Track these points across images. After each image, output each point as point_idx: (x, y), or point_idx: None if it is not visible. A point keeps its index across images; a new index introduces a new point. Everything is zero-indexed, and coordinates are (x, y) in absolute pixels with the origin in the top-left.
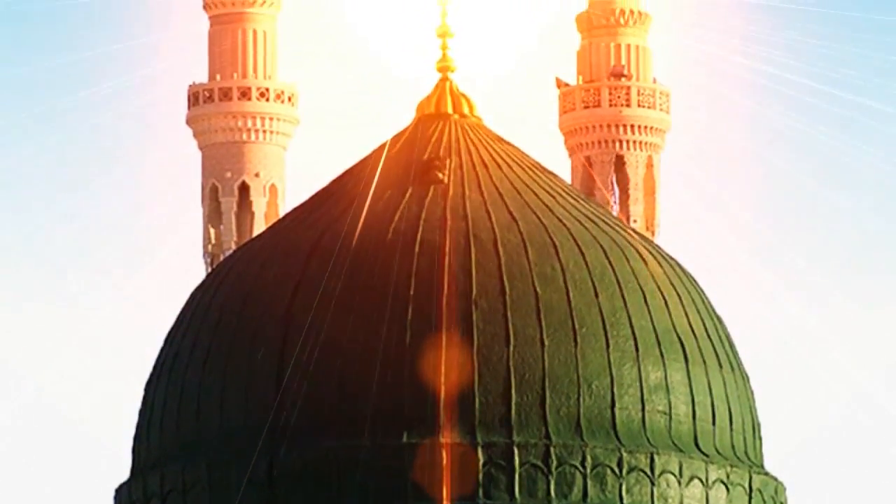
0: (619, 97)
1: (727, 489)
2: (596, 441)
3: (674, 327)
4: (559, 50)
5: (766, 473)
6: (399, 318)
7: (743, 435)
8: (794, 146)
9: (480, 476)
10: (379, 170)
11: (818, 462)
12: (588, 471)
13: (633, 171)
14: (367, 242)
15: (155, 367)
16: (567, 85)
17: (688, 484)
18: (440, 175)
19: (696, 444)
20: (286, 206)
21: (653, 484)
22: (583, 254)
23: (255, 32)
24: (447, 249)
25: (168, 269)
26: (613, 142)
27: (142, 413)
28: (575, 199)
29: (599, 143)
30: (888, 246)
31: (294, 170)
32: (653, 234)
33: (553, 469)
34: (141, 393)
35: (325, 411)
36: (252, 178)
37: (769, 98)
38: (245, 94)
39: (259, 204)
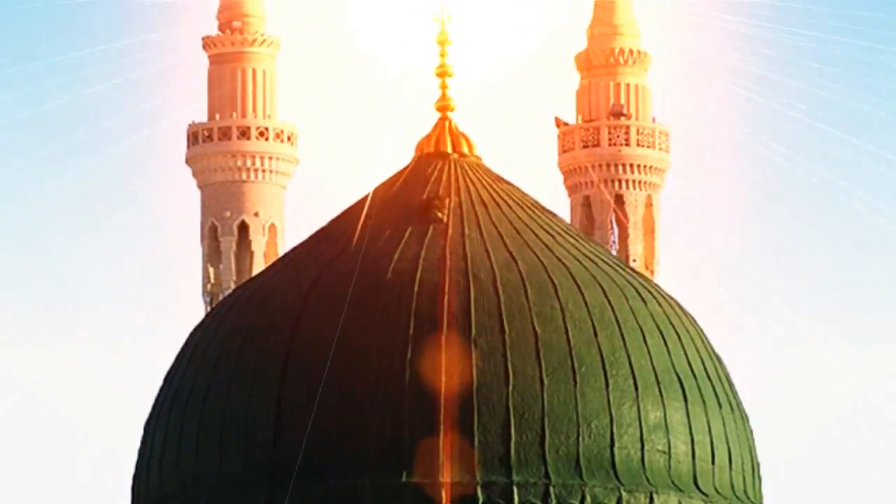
0: (618, 136)
1: None
2: (595, 480)
3: (673, 367)
4: (558, 89)
5: None
6: (399, 358)
7: (742, 474)
8: (793, 186)
9: None
10: (378, 209)
11: (817, 502)
12: None
13: (632, 210)
14: (367, 281)
15: (154, 406)
16: (566, 124)
17: None
18: (439, 214)
19: (696, 484)
20: (285, 245)
21: None
22: (582, 293)
23: (254, 72)
24: (446, 289)
25: (167, 308)
26: (613, 181)
27: (141, 452)
28: (574, 239)
29: (599, 182)
30: (886, 286)
31: (293, 209)
32: (652, 273)
33: None
34: (141, 432)
35: (325, 451)
36: (251, 217)
37: (769, 137)
38: (244, 133)
39: (258, 243)
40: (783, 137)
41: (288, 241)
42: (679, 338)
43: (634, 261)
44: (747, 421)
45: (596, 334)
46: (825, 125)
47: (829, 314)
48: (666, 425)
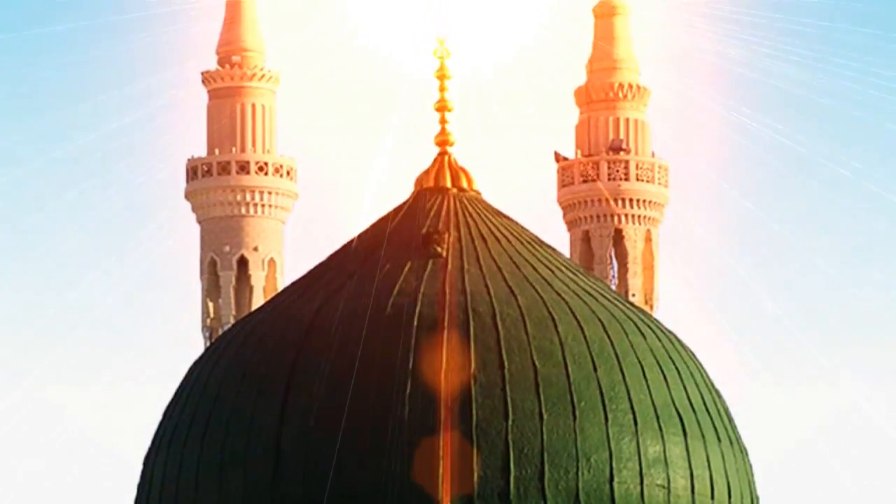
0: (617, 171)
1: None
2: None
3: (672, 401)
4: (558, 123)
5: None
6: (398, 392)
7: None
8: (794, 218)
9: None
10: (377, 243)
11: None
12: None
13: (631, 244)
14: (366, 316)
15: (153, 442)
16: (566, 159)
17: None
18: (439, 249)
19: None
20: (285, 279)
21: None
22: (581, 328)
23: (253, 107)
24: (446, 323)
25: (167, 343)
26: (612, 216)
27: (140, 487)
28: (573, 273)
29: (598, 216)
30: (891, 320)
31: (293, 243)
32: (651, 307)
33: None
34: (140, 467)
35: (324, 488)
36: (251, 251)
37: (768, 172)
38: (244, 168)
39: (258, 277)
40: (784, 171)
41: (287, 275)
42: (678, 372)
43: (634, 295)
44: (747, 455)
45: (595, 369)
46: (823, 159)
47: (831, 348)
48: (665, 460)
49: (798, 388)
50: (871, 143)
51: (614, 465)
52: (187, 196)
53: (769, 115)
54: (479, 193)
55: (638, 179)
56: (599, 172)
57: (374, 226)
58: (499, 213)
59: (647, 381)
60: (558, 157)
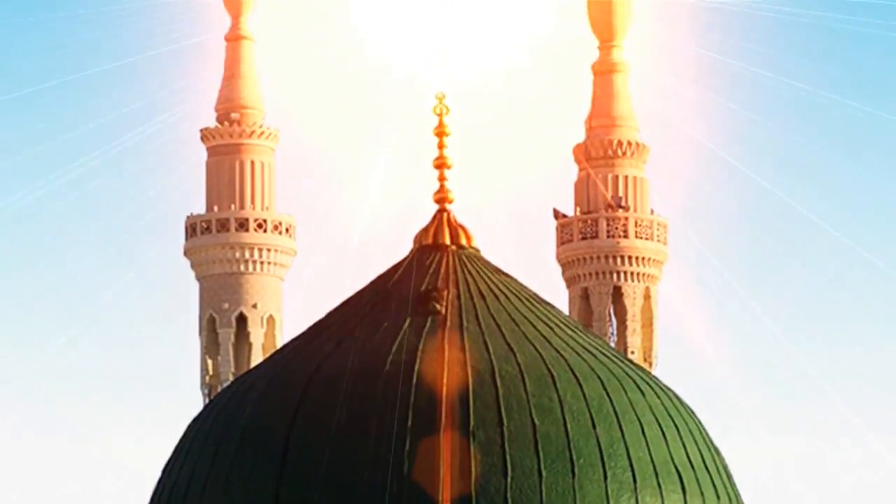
0: (616, 228)
1: None
2: None
3: (672, 459)
4: (557, 181)
5: None
6: (397, 450)
7: None
8: (793, 276)
9: None
10: (376, 301)
11: None
12: None
13: (630, 302)
14: (365, 374)
15: (153, 499)
16: (565, 216)
17: None
18: (438, 306)
19: None
20: (284, 337)
21: None
22: (580, 385)
23: (252, 164)
24: (445, 381)
25: (166, 400)
26: (611, 273)
27: None
28: (572, 331)
29: (597, 274)
30: (890, 380)
31: (292, 301)
32: (650, 365)
33: None
34: None
35: None
36: (250, 309)
37: (767, 231)
38: (242, 225)
39: (257, 335)
40: (782, 229)
41: (286, 332)
42: (677, 430)
43: (633, 353)
44: None
45: (594, 426)
46: (823, 220)
47: (830, 405)
48: None
49: (798, 446)
50: (879, 213)
51: None
52: (186, 253)
53: (768, 170)
54: (478, 250)
55: (637, 237)
56: (598, 230)
57: (373, 283)
58: (498, 271)
59: (646, 438)
60: (557, 215)
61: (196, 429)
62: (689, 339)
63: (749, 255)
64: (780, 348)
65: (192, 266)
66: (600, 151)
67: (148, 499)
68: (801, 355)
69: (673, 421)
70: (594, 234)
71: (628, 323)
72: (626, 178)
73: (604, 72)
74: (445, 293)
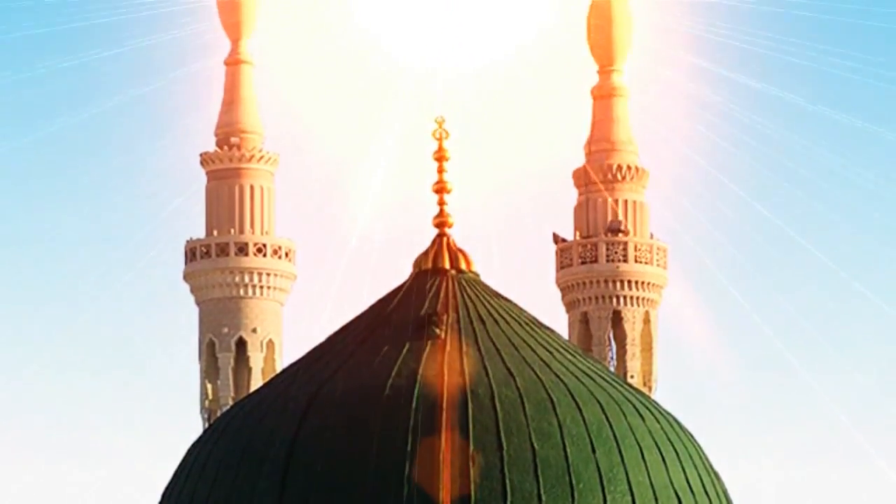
0: (616, 253)
1: None
2: None
3: (671, 483)
4: (556, 205)
5: None
6: (397, 474)
7: None
8: (794, 300)
9: None
10: (376, 325)
11: None
12: None
13: (630, 326)
14: (365, 398)
15: None
16: (564, 240)
17: None
18: (437, 330)
19: None
20: (283, 361)
21: None
22: (580, 409)
23: (252, 188)
24: (445, 405)
25: (165, 425)
26: (610, 297)
27: None
28: (572, 355)
29: (596, 298)
30: (887, 403)
31: (291, 325)
32: (650, 389)
33: None
34: None
35: None
36: (249, 333)
37: (767, 255)
38: (242, 249)
39: (256, 359)
40: (780, 253)
41: (286, 357)
42: (677, 454)
43: (632, 377)
44: None
45: (594, 450)
46: (822, 252)
47: (833, 430)
48: None
49: (798, 469)
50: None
51: None
52: (186, 277)
53: (770, 197)
54: (477, 275)
55: (636, 261)
56: (598, 254)
57: (372, 307)
58: (497, 295)
59: (645, 462)
60: (557, 239)
61: (196, 453)
62: (689, 363)
63: (749, 279)
64: (782, 372)
65: (192, 290)
66: (600, 176)
67: None
68: (805, 379)
69: (672, 445)
70: (594, 259)
71: (628, 347)
72: (626, 202)
73: (603, 96)
74: (445, 317)
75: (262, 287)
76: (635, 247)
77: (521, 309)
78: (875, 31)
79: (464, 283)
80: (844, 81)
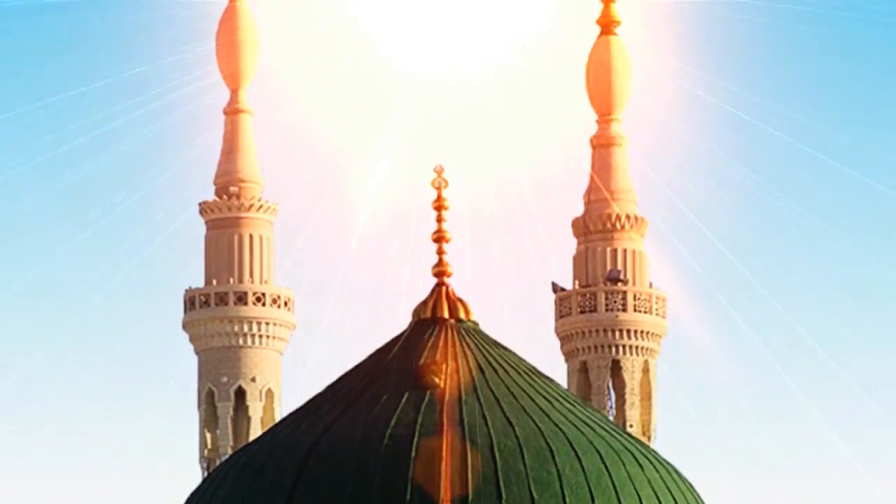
0: (615, 302)
1: None
2: None
3: None
4: (556, 254)
5: None
6: None
7: None
8: (790, 348)
9: None
10: (375, 374)
11: None
12: None
13: (629, 375)
14: (364, 447)
15: None
16: (563, 289)
17: None
18: (436, 380)
19: None
20: (283, 410)
21: None
22: (579, 459)
23: (251, 237)
24: (444, 454)
25: (164, 474)
26: (610, 346)
27: None
28: (571, 404)
29: (596, 347)
30: (887, 443)
31: (290, 374)
32: (649, 439)
33: None
34: None
35: None
36: (248, 382)
37: (764, 305)
38: (241, 298)
39: (255, 408)
40: (779, 302)
41: (285, 406)
42: (675, 503)
43: (631, 426)
44: None
45: (593, 500)
46: (826, 292)
47: (832, 479)
48: None
49: None
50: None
51: None
52: (185, 327)
53: (769, 245)
54: (476, 324)
55: (636, 310)
56: (597, 303)
57: (371, 356)
58: (496, 344)
59: None
60: (556, 288)
61: (195, 502)
62: (688, 412)
63: (749, 330)
64: (780, 421)
65: (191, 339)
66: (598, 225)
67: None
68: (811, 427)
69: (672, 495)
70: (593, 308)
71: (627, 396)
72: (625, 251)
73: (602, 145)
74: (444, 367)
75: (261, 336)
76: (634, 296)
77: (520, 358)
78: None
79: (463, 332)
80: (848, 148)
